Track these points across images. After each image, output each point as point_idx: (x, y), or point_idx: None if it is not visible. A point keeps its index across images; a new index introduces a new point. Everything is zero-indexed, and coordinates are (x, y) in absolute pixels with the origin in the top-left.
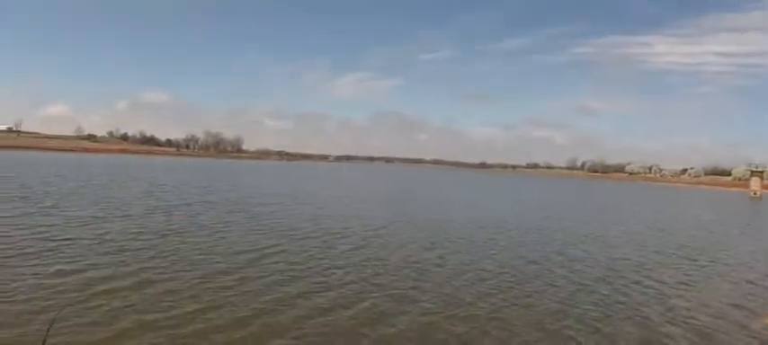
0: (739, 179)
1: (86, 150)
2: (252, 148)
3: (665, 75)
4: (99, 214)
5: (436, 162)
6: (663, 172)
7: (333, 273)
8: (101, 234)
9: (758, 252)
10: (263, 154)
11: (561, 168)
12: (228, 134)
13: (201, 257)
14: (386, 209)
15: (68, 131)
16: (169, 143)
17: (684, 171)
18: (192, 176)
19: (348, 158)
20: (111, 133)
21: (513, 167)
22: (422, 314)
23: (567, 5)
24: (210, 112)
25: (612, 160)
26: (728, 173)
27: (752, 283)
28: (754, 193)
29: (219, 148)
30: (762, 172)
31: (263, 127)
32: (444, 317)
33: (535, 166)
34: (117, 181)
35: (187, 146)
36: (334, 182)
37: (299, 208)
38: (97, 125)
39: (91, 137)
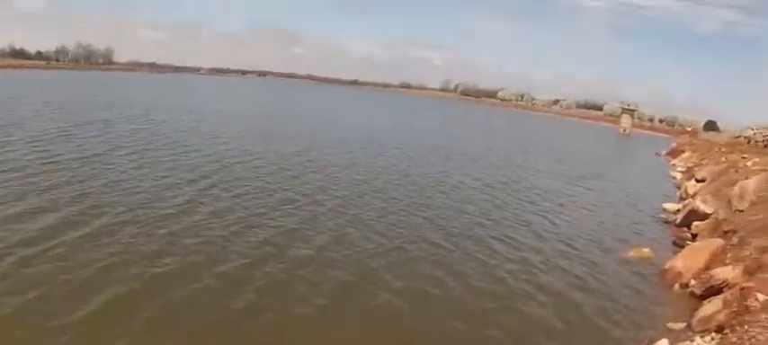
0: (610, 114)
1: None
2: (124, 59)
3: (548, 6)
4: None
5: (310, 77)
6: (535, 101)
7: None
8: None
9: (635, 186)
10: (136, 66)
11: (434, 89)
12: (100, 45)
13: (126, 187)
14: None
15: None
16: (39, 55)
17: (556, 102)
18: (63, 93)
19: (221, 71)
20: None
21: (385, 86)
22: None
23: None
24: (84, 20)
25: (488, 85)
26: (600, 108)
27: (623, 214)
28: (624, 130)
29: (90, 61)
30: (633, 110)
31: (137, 37)
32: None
33: (408, 86)
34: None
35: (57, 59)
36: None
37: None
38: None
39: None
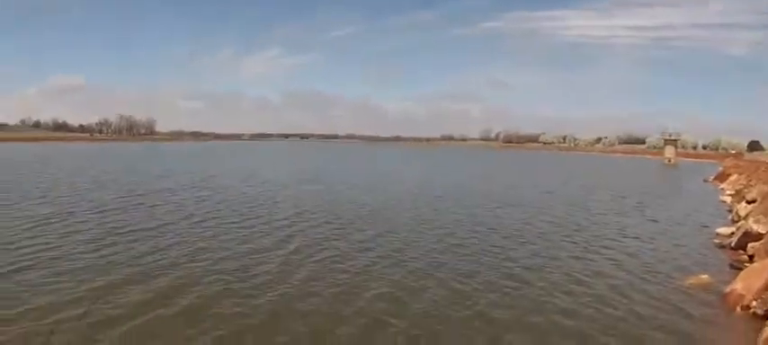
0: (653, 147)
1: None
2: (165, 130)
3: (577, 48)
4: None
5: (350, 137)
6: (577, 141)
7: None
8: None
9: (686, 214)
10: (177, 136)
11: (476, 139)
12: (141, 116)
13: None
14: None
15: None
16: (82, 128)
17: (598, 140)
18: (114, 163)
19: (263, 136)
20: (23, 121)
21: (427, 140)
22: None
23: None
24: (123, 94)
25: (527, 130)
26: (642, 142)
27: (678, 243)
28: (669, 160)
29: (133, 132)
30: (675, 140)
31: (176, 108)
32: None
33: (450, 138)
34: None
35: (100, 131)
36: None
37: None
38: (11, 112)
39: (3, 127)
